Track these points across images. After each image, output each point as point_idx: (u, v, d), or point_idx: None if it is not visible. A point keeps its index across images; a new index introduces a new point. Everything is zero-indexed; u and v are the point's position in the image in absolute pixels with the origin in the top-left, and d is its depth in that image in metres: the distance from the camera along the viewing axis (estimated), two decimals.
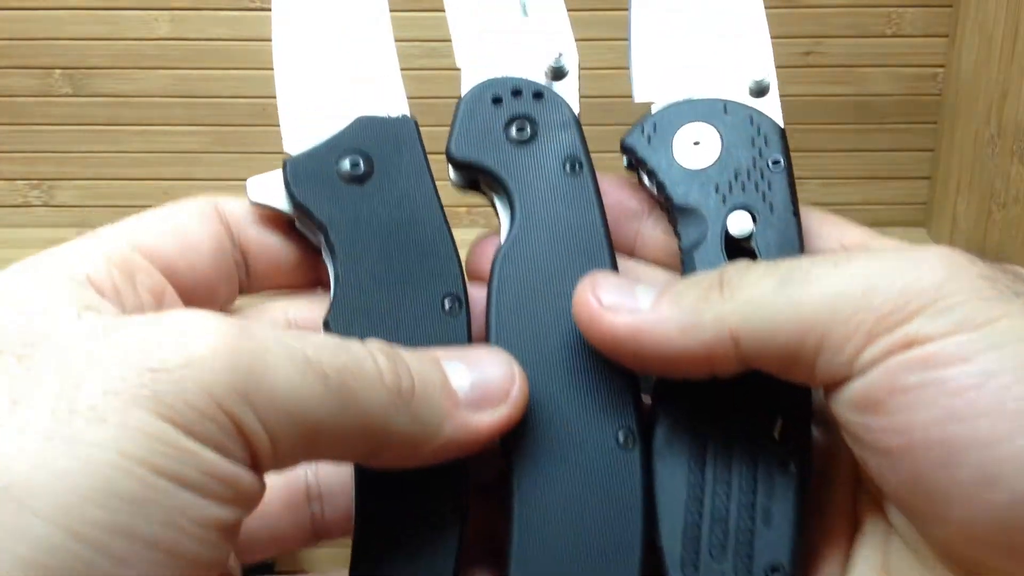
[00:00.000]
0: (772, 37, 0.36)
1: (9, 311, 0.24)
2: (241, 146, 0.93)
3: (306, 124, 0.33)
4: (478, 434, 0.27)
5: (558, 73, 0.35)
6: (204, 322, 0.23)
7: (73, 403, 0.22)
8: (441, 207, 0.33)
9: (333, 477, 0.33)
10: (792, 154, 0.35)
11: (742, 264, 0.29)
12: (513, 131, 0.34)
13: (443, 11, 0.38)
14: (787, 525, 0.29)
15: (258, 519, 0.30)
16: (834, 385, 0.27)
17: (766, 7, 0.37)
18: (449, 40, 0.37)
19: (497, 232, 0.34)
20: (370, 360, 0.26)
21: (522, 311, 0.31)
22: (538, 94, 0.34)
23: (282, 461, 0.25)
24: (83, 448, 0.21)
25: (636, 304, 0.28)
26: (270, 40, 0.37)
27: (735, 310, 0.27)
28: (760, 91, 0.35)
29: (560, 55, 0.35)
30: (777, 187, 0.33)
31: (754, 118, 0.34)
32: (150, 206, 0.33)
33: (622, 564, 0.28)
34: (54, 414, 0.21)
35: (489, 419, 0.27)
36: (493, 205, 0.34)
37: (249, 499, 0.24)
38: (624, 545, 0.28)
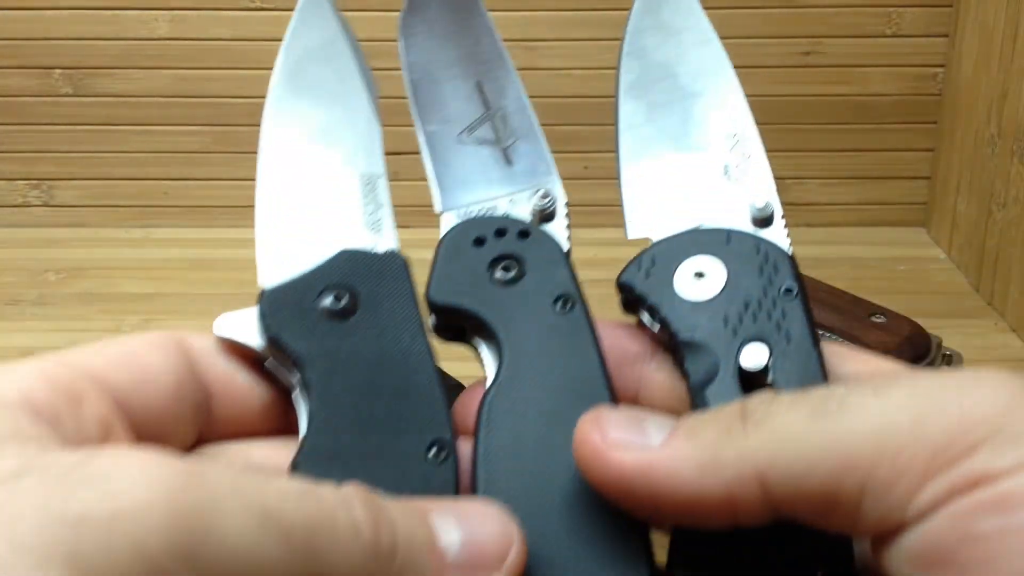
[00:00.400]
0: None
1: None
2: (241, 146, 0.93)
3: (285, 256, 0.31)
4: None
5: (545, 214, 0.33)
6: (143, 464, 0.20)
7: None
8: (430, 348, 0.30)
9: None
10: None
11: (767, 395, 0.25)
12: (498, 271, 0.31)
13: None
14: None
15: None
16: (885, 535, 0.23)
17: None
18: None
19: (483, 382, 0.31)
20: (344, 511, 0.22)
21: (513, 462, 0.28)
22: (524, 233, 0.32)
23: None
24: None
25: (646, 440, 0.25)
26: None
27: (761, 446, 0.24)
28: (764, 220, 0.32)
29: (545, 193, 0.33)
30: (792, 316, 0.30)
31: (760, 246, 0.31)
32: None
33: None
34: None
35: None
36: (478, 355, 0.31)
37: None
38: None
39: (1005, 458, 0.21)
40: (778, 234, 0.32)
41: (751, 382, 0.29)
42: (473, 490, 0.28)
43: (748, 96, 0.35)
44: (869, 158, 0.95)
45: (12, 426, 0.22)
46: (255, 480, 0.21)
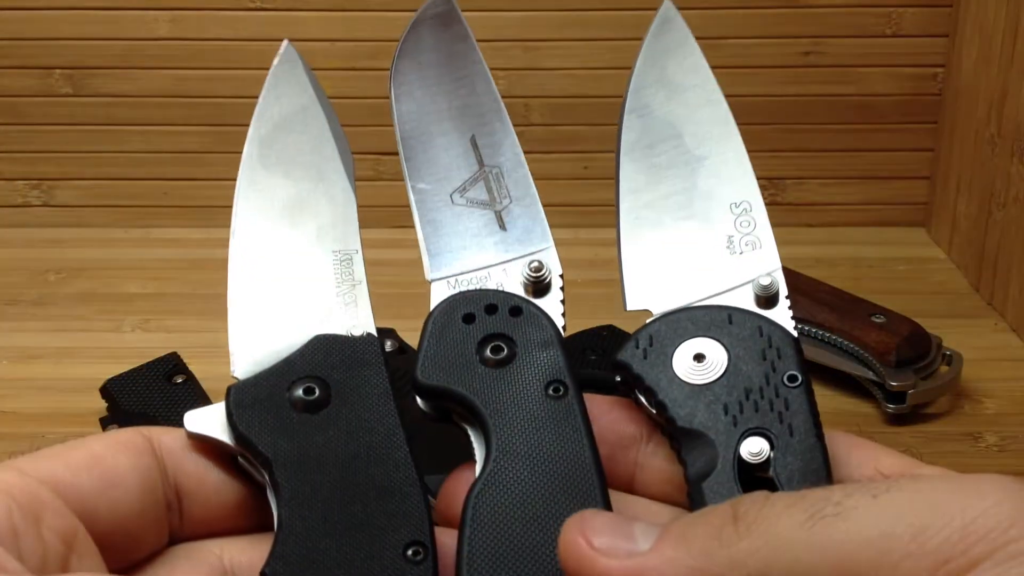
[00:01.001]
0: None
1: None
2: (241, 146, 0.92)
3: (257, 344, 0.30)
4: None
5: (539, 286, 0.32)
6: None
7: None
8: (405, 440, 0.29)
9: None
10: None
11: (759, 495, 0.25)
12: (487, 352, 0.30)
13: None
14: None
15: None
16: None
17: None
18: None
19: (470, 468, 0.30)
20: None
21: (499, 559, 0.27)
22: (515, 310, 0.31)
23: None
24: None
25: (634, 546, 0.24)
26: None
27: (754, 551, 0.23)
28: (769, 299, 0.31)
29: (539, 266, 0.32)
30: (796, 406, 0.29)
31: (763, 328, 0.30)
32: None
33: None
34: None
35: None
36: (467, 438, 0.30)
37: None
38: None
39: (1010, 574, 0.20)
40: (782, 314, 0.31)
41: (751, 474, 0.29)
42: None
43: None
44: (869, 158, 0.95)
45: None
46: None
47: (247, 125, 0.37)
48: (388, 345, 0.57)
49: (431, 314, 0.31)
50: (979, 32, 0.85)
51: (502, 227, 0.33)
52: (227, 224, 0.35)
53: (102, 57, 0.92)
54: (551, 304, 0.32)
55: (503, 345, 0.30)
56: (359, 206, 0.33)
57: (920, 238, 0.94)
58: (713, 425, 0.29)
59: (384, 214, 0.68)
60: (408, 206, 0.33)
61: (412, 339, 0.35)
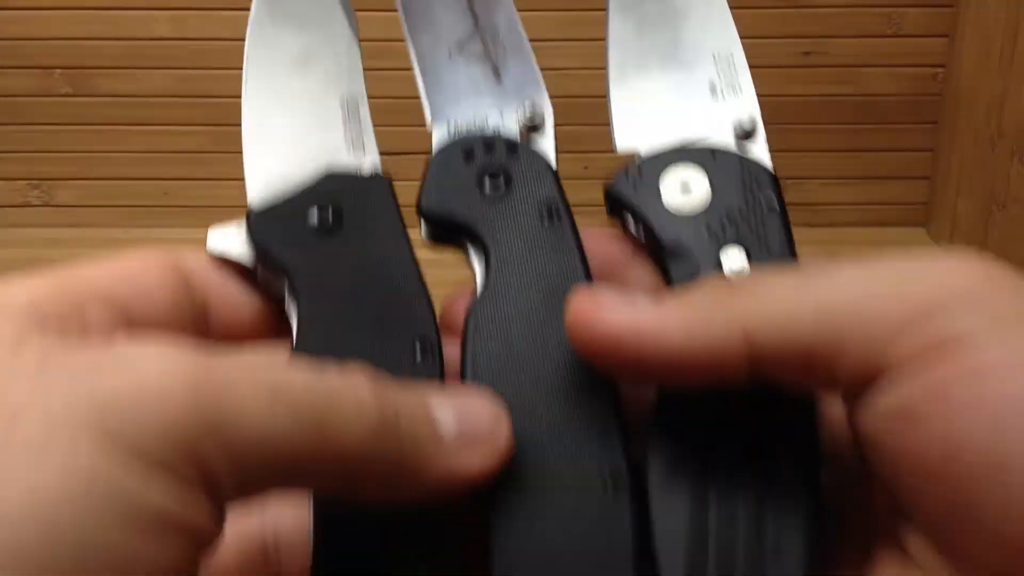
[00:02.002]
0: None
1: None
2: (241, 146, 0.93)
3: (272, 176, 0.32)
4: (462, 480, 0.25)
5: (533, 127, 0.34)
6: (163, 351, 0.22)
7: (8, 437, 0.19)
8: (415, 260, 0.31)
9: (294, 535, 0.31)
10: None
11: (755, 270, 0.27)
12: (486, 184, 0.33)
13: None
14: (798, 558, 0.27)
15: None
16: (858, 390, 0.24)
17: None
18: None
19: (470, 287, 0.32)
20: (349, 390, 0.24)
21: (498, 361, 0.29)
22: (512, 148, 0.33)
23: (249, 496, 0.23)
24: (19, 485, 0.19)
25: (637, 308, 0.26)
26: None
27: (750, 308, 0.25)
28: (746, 134, 0.33)
29: (533, 107, 0.34)
30: (772, 229, 0.31)
31: (744, 163, 0.33)
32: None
33: None
34: None
35: (474, 464, 0.26)
36: (468, 260, 0.32)
37: (209, 540, 0.22)
38: None
39: (981, 327, 0.22)
40: (761, 150, 0.33)
41: None
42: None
43: None
44: (869, 158, 0.95)
45: (28, 326, 0.23)
46: (264, 363, 0.23)
47: None
48: None
49: (434, 152, 0.33)
50: (979, 32, 0.85)
51: (498, 78, 0.35)
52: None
53: (102, 57, 0.92)
54: (544, 144, 0.34)
55: (500, 178, 0.33)
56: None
57: (920, 238, 0.94)
58: (696, 243, 0.31)
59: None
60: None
61: None
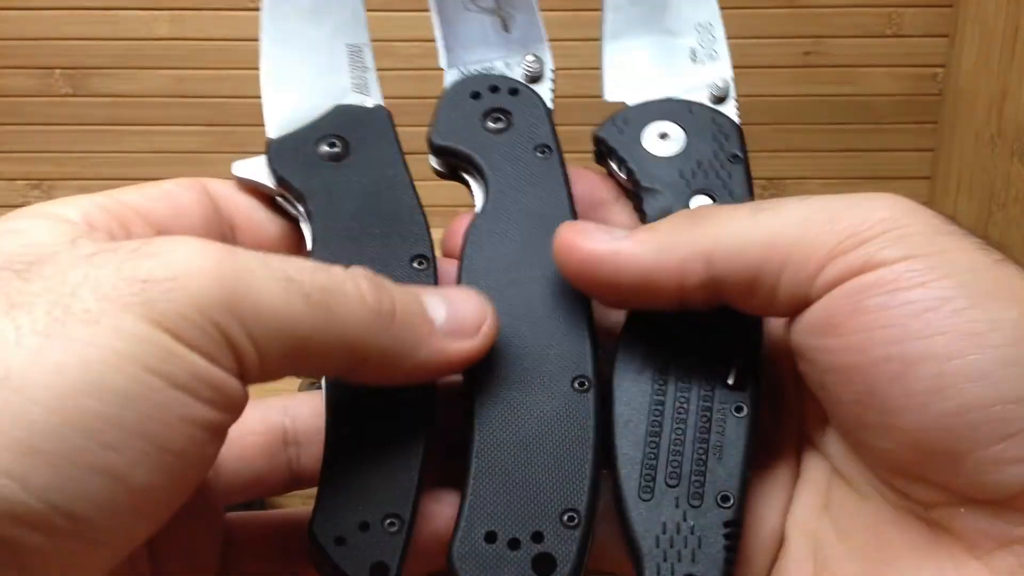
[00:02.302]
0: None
1: (9, 240, 0.26)
2: (241, 146, 0.93)
3: (287, 112, 0.36)
4: (450, 361, 0.29)
5: (534, 76, 0.37)
6: (190, 243, 0.25)
7: (68, 307, 0.23)
8: (412, 184, 0.34)
9: (309, 424, 0.35)
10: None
11: (711, 205, 0.33)
12: (489, 122, 0.36)
13: None
14: (737, 461, 0.31)
15: (239, 462, 0.34)
16: (795, 309, 0.29)
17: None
18: None
19: (469, 214, 0.35)
20: (351, 283, 0.27)
21: (491, 274, 0.33)
22: (514, 91, 0.37)
23: (268, 373, 0.26)
24: (77, 345, 0.23)
25: (614, 234, 0.31)
26: None
27: (708, 233, 0.29)
28: (720, 97, 0.37)
29: (535, 58, 0.38)
30: (736, 178, 0.36)
31: (716, 118, 0.37)
32: None
33: (572, 492, 0.30)
34: (50, 315, 0.23)
35: (461, 347, 0.29)
36: (469, 188, 0.36)
37: (235, 405, 0.25)
38: (575, 476, 0.31)
39: (894, 250, 0.27)
40: (731, 110, 0.37)
41: None
42: None
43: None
44: (869, 158, 0.95)
45: (81, 229, 0.27)
46: (279, 257, 0.26)
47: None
48: None
49: (444, 91, 0.37)
50: (979, 32, 0.85)
51: (506, 30, 0.39)
52: None
53: (102, 57, 0.92)
54: (543, 90, 0.38)
55: (502, 116, 0.36)
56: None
57: None
58: (671, 185, 0.35)
59: None
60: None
61: None
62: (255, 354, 0.25)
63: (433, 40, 0.38)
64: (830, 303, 0.28)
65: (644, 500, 0.31)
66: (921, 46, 0.92)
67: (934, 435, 0.26)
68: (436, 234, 0.35)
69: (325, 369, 0.29)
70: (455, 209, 0.36)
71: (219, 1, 0.89)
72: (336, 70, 0.37)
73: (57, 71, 0.93)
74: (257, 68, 0.35)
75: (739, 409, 0.32)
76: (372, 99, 0.36)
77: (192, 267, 0.24)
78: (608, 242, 0.30)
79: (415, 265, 0.33)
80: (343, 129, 0.35)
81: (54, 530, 0.23)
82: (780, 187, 0.91)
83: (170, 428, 0.24)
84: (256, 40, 0.34)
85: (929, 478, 0.27)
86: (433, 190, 0.38)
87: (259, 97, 0.35)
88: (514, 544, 0.30)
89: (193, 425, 0.24)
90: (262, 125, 0.35)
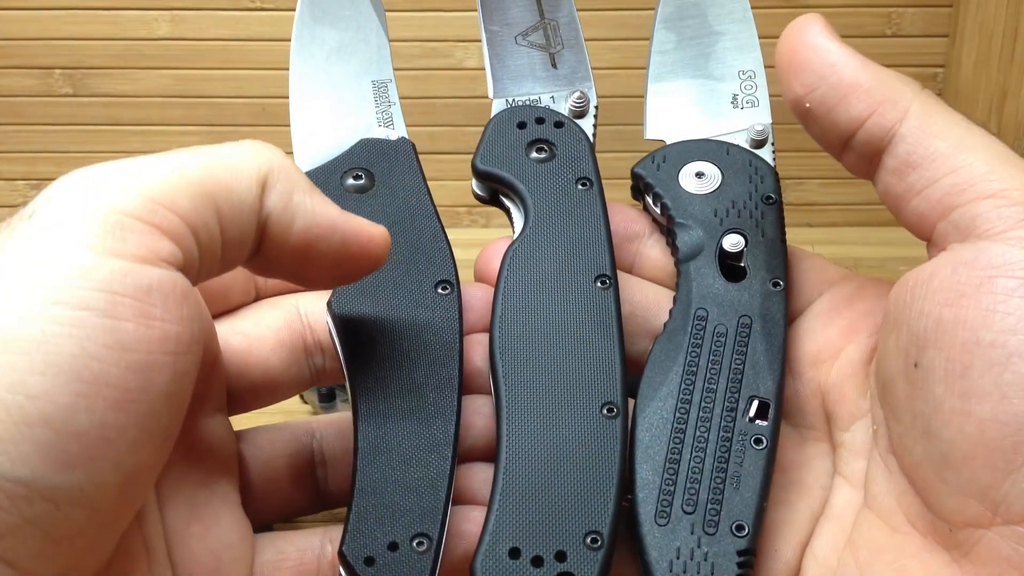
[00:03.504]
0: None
1: None
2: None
3: (315, 147, 0.37)
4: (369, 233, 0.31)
5: (579, 111, 0.39)
6: (250, 144, 0.29)
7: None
8: (436, 213, 0.36)
9: (336, 445, 0.35)
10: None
11: (750, 252, 0.36)
12: (534, 152, 0.37)
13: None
14: (754, 492, 0.32)
15: (269, 484, 0.34)
16: (884, 145, 0.32)
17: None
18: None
19: (506, 240, 0.36)
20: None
21: (527, 298, 0.34)
22: (559, 123, 0.38)
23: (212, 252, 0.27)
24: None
25: (837, 40, 0.34)
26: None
27: (914, 94, 0.35)
28: (759, 143, 0.39)
29: (581, 95, 0.39)
30: (769, 219, 0.37)
31: (752, 161, 0.38)
32: None
33: (597, 515, 0.31)
34: None
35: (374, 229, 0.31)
36: (508, 214, 0.37)
37: (179, 307, 0.25)
38: (600, 499, 0.31)
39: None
40: (768, 155, 0.39)
41: (726, 260, 0.36)
42: (493, 313, 0.34)
43: None
44: None
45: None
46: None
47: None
48: None
49: (492, 117, 0.39)
50: (979, 32, 0.85)
51: (554, 66, 0.40)
52: None
53: (102, 57, 0.92)
54: (587, 125, 0.39)
55: (546, 147, 0.38)
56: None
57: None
58: (704, 223, 0.37)
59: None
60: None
61: None
62: (180, 221, 0.25)
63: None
64: (959, 274, 0.28)
65: (660, 525, 0.31)
66: (921, 46, 0.92)
67: (1003, 430, 0.26)
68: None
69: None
70: (454, 209, 0.36)
71: (219, 1, 0.89)
72: (362, 105, 0.39)
73: (57, 71, 0.93)
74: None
75: (758, 441, 0.32)
76: (396, 132, 0.38)
77: (64, 181, 0.27)
78: (834, 39, 0.33)
79: (440, 290, 0.34)
80: (368, 162, 0.37)
81: (14, 499, 0.21)
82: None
83: (99, 361, 0.23)
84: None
85: (974, 482, 0.27)
86: (434, 189, 0.38)
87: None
88: (537, 562, 0.30)
89: (124, 351, 0.23)
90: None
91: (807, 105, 0.32)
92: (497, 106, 0.39)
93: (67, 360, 0.22)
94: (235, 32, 0.90)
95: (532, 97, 0.39)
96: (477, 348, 0.35)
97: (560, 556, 0.30)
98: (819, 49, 0.32)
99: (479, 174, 0.37)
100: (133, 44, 0.92)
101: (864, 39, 0.92)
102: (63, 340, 0.22)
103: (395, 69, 0.40)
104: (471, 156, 0.38)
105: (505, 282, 0.34)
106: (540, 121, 0.38)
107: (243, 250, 0.29)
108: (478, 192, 0.38)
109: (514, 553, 0.30)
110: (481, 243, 0.39)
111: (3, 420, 0.22)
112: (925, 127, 0.31)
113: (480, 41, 0.40)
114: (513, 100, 0.39)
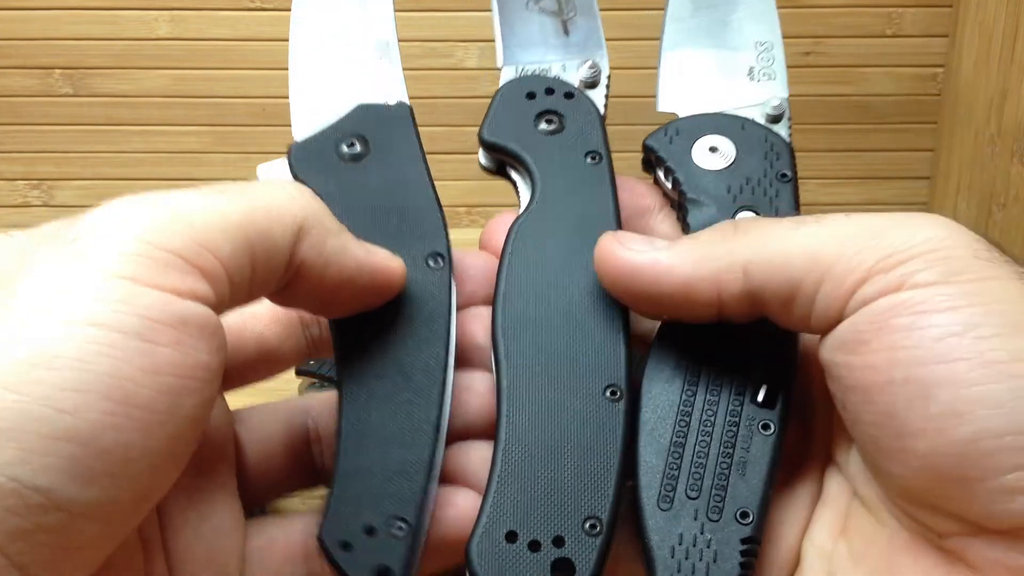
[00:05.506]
0: (782, 7, 0.37)
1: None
2: (241, 146, 0.93)
3: (313, 111, 0.36)
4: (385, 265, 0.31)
5: (591, 82, 0.37)
6: (288, 185, 0.30)
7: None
8: (431, 182, 0.35)
9: (331, 422, 0.35)
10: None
11: (754, 217, 0.32)
12: (543, 123, 0.36)
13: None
14: (760, 479, 0.31)
15: (252, 342, 0.35)
16: (828, 326, 0.28)
17: None
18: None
19: (512, 213, 0.35)
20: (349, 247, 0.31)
21: (532, 274, 0.33)
22: (569, 94, 0.37)
23: (239, 284, 0.28)
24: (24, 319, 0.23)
25: (655, 244, 0.31)
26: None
27: (748, 245, 0.29)
28: (775, 118, 0.38)
29: (593, 64, 0.38)
30: (783, 197, 0.35)
31: (768, 136, 0.37)
32: None
33: (597, 500, 0.30)
34: None
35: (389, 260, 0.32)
36: (515, 187, 0.36)
37: (206, 338, 0.26)
38: (600, 483, 0.31)
39: (930, 272, 0.27)
40: (783, 130, 0.38)
41: None
42: (496, 289, 0.33)
43: None
44: (869, 158, 0.95)
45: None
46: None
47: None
48: None
49: (501, 87, 0.37)
50: (979, 32, 0.85)
51: (566, 33, 0.39)
52: None
53: (102, 57, 0.92)
54: (598, 96, 0.37)
55: (555, 119, 0.36)
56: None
57: None
58: (716, 199, 0.35)
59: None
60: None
61: None
62: (219, 264, 0.26)
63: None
64: (859, 320, 0.27)
65: (663, 510, 0.31)
66: (921, 46, 0.92)
67: (948, 461, 0.26)
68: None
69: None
70: (454, 209, 0.35)
71: (219, 1, 0.89)
72: (362, 66, 0.37)
73: (57, 71, 0.93)
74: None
75: (766, 427, 0.31)
76: (396, 95, 0.36)
77: (286, 196, 0.28)
78: (647, 252, 0.30)
79: (430, 263, 0.33)
80: (364, 128, 0.35)
81: (31, 508, 0.22)
82: None
83: (131, 382, 0.23)
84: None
85: (942, 507, 0.27)
86: (439, 189, 0.38)
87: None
88: (534, 546, 0.30)
89: (156, 374, 0.24)
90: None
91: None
92: (506, 74, 0.38)
93: (100, 379, 0.23)
94: (235, 32, 0.90)
95: (543, 65, 0.38)
96: (476, 323, 0.34)
97: (558, 541, 0.30)
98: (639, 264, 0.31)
99: (486, 145, 0.36)
100: (133, 44, 0.92)
101: (864, 39, 0.92)
102: (98, 359, 0.23)
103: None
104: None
105: (510, 257, 0.33)
106: (550, 92, 0.37)
107: (268, 288, 0.29)
108: (484, 163, 0.37)
109: (511, 536, 0.30)
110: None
111: (31, 431, 0.22)
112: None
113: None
114: (523, 69, 0.38)
